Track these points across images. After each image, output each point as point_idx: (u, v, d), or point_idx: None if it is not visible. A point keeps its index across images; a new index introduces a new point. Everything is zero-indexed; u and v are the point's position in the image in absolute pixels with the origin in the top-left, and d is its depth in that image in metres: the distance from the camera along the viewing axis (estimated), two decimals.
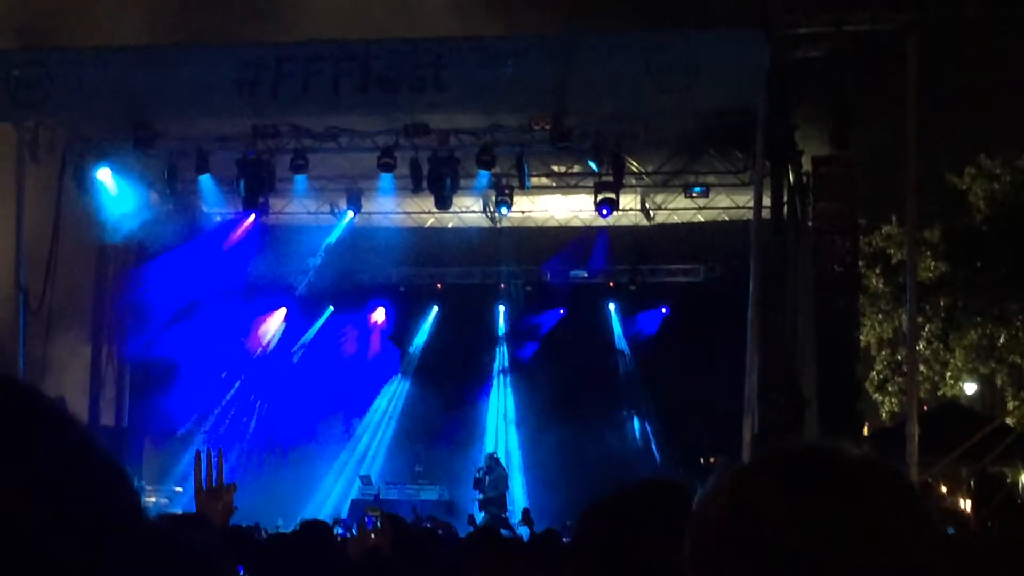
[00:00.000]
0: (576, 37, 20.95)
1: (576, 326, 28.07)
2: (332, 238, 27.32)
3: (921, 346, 32.97)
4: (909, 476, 1.68)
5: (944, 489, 28.62)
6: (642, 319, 28.23)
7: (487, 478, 25.32)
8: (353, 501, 25.67)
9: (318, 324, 28.71)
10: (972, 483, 26.44)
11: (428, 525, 16.70)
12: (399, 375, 29.49)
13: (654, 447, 27.44)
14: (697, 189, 25.54)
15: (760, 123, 19.94)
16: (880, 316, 35.34)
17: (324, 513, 24.27)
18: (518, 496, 27.36)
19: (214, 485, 4.75)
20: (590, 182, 24.47)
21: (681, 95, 19.74)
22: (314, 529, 7.84)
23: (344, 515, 24.15)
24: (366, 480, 26.66)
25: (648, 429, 27.76)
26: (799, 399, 20.73)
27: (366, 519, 6.15)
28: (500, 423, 28.90)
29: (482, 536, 8.37)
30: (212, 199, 25.79)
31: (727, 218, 26.48)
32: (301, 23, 23.39)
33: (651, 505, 3.65)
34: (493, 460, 25.65)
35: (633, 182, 25.34)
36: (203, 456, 4.78)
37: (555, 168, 25.66)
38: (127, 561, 1.31)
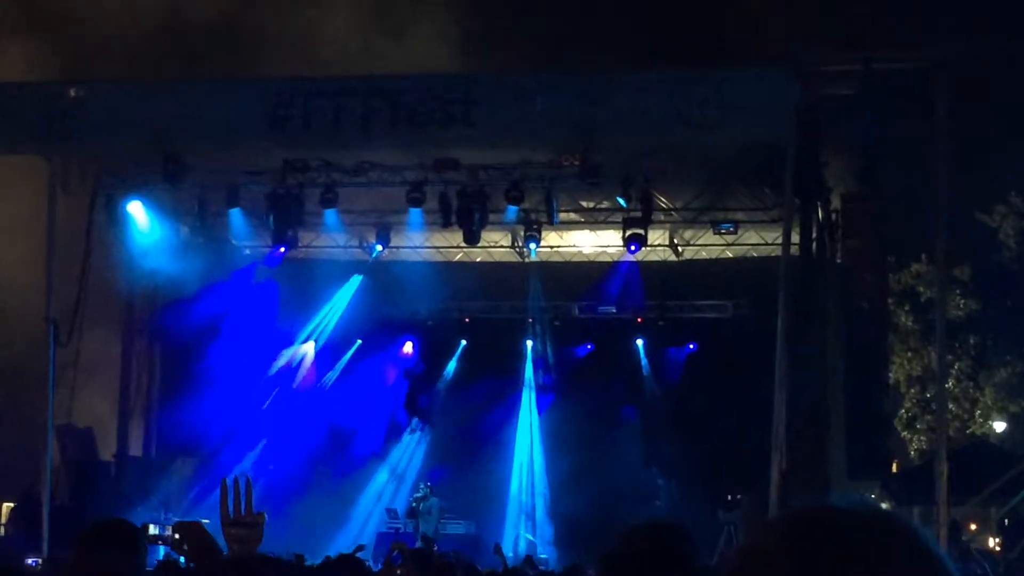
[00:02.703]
0: (605, 74, 20.99)
1: (604, 361, 28.01)
2: (361, 272, 27.38)
3: (951, 384, 32.84)
4: (918, 528, 1.69)
5: (973, 528, 28.42)
6: (670, 355, 28.14)
7: (421, 505, 25.21)
8: (379, 534, 25.62)
9: (346, 357, 28.69)
10: (1003, 522, 26.24)
11: (451, 560, 16.63)
12: (426, 409, 29.43)
13: (672, 485, 27.23)
14: (726, 225, 25.47)
15: (789, 160, 19.92)
16: (909, 354, 35.27)
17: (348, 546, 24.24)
18: (543, 531, 27.32)
19: (243, 514, 4.49)
20: (619, 217, 24.45)
21: (710, 132, 19.76)
22: (347, 564, 7.79)
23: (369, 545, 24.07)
24: (392, 514, 26.62)
25: (674, 466, 27.59)
26: (824, 428, 20.63)
27: (393, 555, 6.15)
28: (527, 457, 28.83)
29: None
30: (242, 232, 25.94)
31: (756, 254, 26.42)
32: (330, 60, 23.57)
33: (647, 551, 3.71)
34: (428, 488, 25.49)
35: (662, 218, 25.35)
36: (230, 485, 4.51)
37: (584, 203, 25.68)
38: None
